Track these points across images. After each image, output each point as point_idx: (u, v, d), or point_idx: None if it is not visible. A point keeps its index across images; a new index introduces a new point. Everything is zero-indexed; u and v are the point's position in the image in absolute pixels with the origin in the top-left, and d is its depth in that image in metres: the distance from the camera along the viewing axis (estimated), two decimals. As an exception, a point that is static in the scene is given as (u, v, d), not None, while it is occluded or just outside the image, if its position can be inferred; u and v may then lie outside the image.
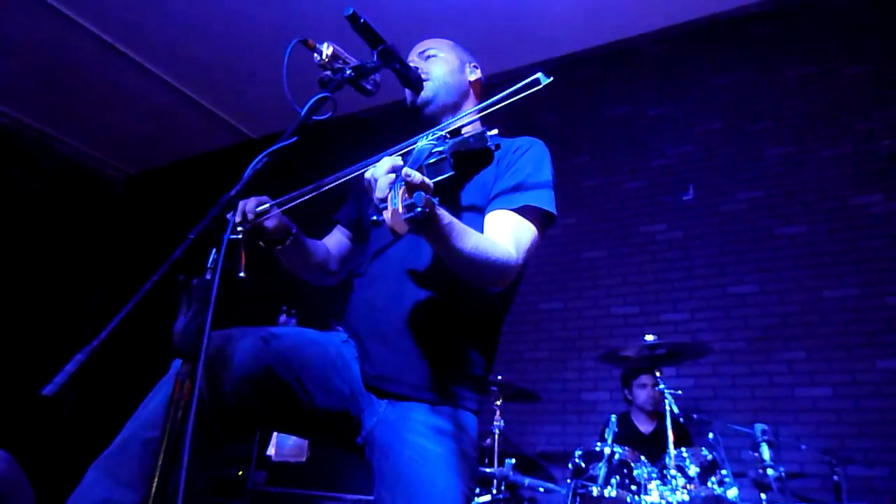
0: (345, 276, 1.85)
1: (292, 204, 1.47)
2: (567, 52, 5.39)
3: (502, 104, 1.41)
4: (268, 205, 1.48)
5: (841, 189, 4.16)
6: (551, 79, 1.29)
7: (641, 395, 3.99)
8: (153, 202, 7.50)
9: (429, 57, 1.77)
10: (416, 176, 1.12)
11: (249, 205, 1.44)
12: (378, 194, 1.19)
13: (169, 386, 1.09)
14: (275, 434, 4.04)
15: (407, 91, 1.72)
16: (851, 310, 3.92)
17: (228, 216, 1.15)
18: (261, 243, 1.59)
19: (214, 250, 1.04)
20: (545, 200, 1.54)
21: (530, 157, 1.61)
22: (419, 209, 1.06)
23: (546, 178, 1.59)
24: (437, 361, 1.48)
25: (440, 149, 1.39)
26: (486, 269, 1.37)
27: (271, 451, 3.99)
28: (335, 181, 1.46)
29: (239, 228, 1.33)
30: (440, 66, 1.75)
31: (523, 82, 1.34)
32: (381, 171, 1.22)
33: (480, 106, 1.46)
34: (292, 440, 4.03)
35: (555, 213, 1.56)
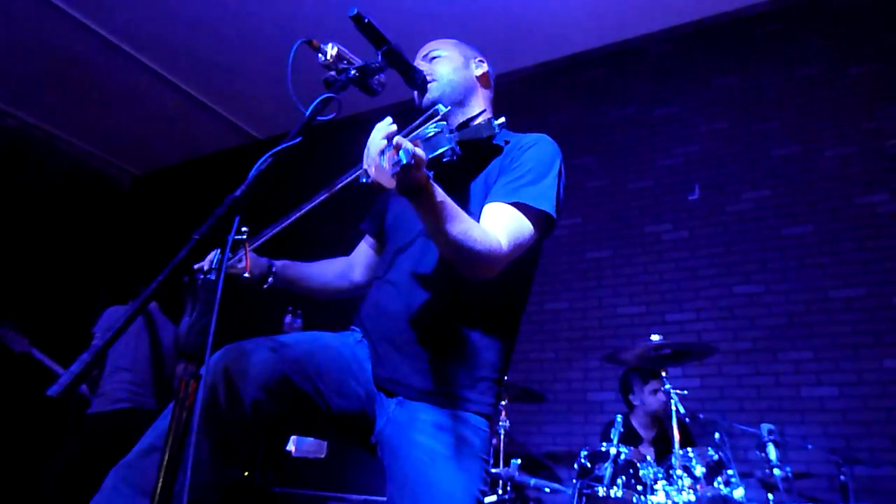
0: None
1: (262, 241, 1.45)
2: (572, 52, 5.39)
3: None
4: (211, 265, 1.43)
5: (847, 188, 4.14)
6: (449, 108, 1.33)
7: (654, 402, 3.85)
8: (159, 203, 7.52)
9: (433, 59, 1.78)
10: (407, 143, 1.14)
11: (210, 255, 1.38)
12: (369, 155, 1.23)
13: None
14: None
15: (415, 91, 1.73)
16: (858, 309, 3.90)
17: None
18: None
19: (219, 251, 1.04)
20: (541, 200, 1.52)
21: (534, 154, 1.60)
22: (403, 162, 1.09)
23: (547, 177, 1.56)
24: (448, 366, 1.49)
25: (438, 128, 1.39)
26: (471, 255, 1.37)
27: (291, 447, 4.01)
28: (299, 212, 1.46)
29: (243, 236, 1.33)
30: (444, 65, 1.76)
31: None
32: (374, 136, 1.24)
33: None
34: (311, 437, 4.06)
35: (550, 212, 1.53)
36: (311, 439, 4.01)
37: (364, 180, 1.22)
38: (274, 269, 1.61)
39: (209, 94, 6.32)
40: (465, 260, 1.39)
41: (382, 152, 1.17)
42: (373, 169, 1.17)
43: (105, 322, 4.24)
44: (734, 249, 4.37)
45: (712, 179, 4.59)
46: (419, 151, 1.17)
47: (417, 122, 1.53)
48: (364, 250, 1.90)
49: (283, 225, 1.46)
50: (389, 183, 1.16)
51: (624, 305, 4.62)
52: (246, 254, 1.12)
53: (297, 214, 1.47)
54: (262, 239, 1.45)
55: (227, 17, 5.22)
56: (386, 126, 1.24)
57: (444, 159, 1.37)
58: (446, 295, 1.53)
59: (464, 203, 1.57)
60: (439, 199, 1.27)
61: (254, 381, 1.31)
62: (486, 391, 1.54)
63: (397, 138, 1.14)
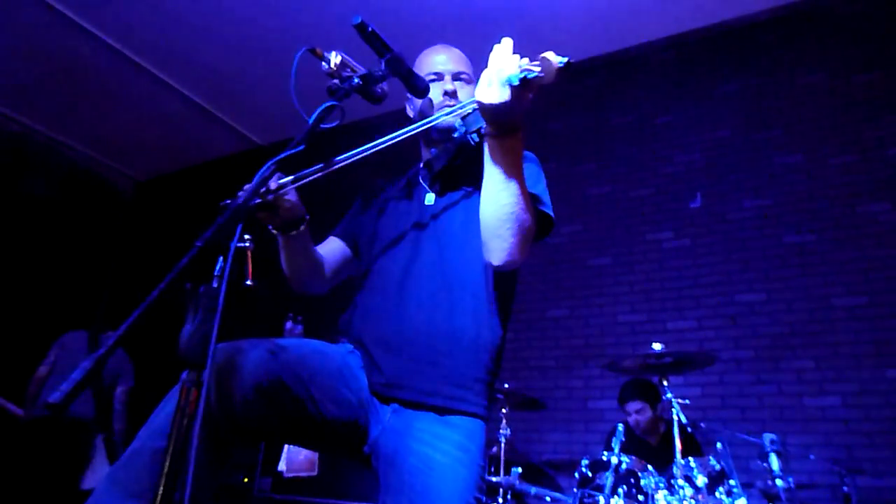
0: (331, 286, 1.82)
1: (308, 179, 1.47)
2: (574, 60, 5.39)
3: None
4: (289, 178, 1.47)
5: (849, 197, 4.14)
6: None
7: (633, 420, 3.94)
8: (161, 208, 7.54)
9: (462, 79, 1.74)
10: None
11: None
12: (492, 65, 1.24)
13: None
14: (285, 449, 4.02)
15: (418, 102, 1.69)
16: (860, 318, 3.89)
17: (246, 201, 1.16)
18: (271, 229, 1.58)
19: (222, 258, 1.04)
20: (545, 204, 1.56)
21: (527, 166, 1.61)
22: (534, 73, 1.16)
23: (543, 187, 1.61)
24: (445, 368, 1.48)
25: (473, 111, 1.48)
26: (526, 219, 1.38)
27: (282, 466, 3.97)
28: (346, 160, 1.48)
29: (258, 200, 1.38)
30: (469, 96, 1.69)
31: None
32: (503, 50, 1.25)
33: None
34: (303, 454, 4.02)
35: (552, 216, 1.57)
36: (302, 457, 3.98)
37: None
38: (307, 219, 1.60)
39: (212, 100, 6.34)
40: (519, 224, 1.38)
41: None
42: (497, 88, 1.21)
43: (65, 346, 4.77)
44: (736, 258, 4.36)
45: (714, 187, 4.59)
46: (551, 58, 1.20)
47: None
48: (331, 248, 1.83)
49: (318, 175, 1.47)
50: (503, 96, 1.19)
51: (625, 313, 4.61)
52: (249, 262, 1.12)
53: (325, 171, 1.47)
54: (304, 181, 1.46)
55: (231, 25, 5.24)
56: (510, 43, 1.26)
57: (483, 131, 1.41)
58: (441, 298, 1.53)
59: (466, 203, 1.61)
60: (522, 143, 1.30)
61: (247, 381, 1.30)
62: (482, 393, 1.53)
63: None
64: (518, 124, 1.29)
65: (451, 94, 1.69)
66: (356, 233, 1.84)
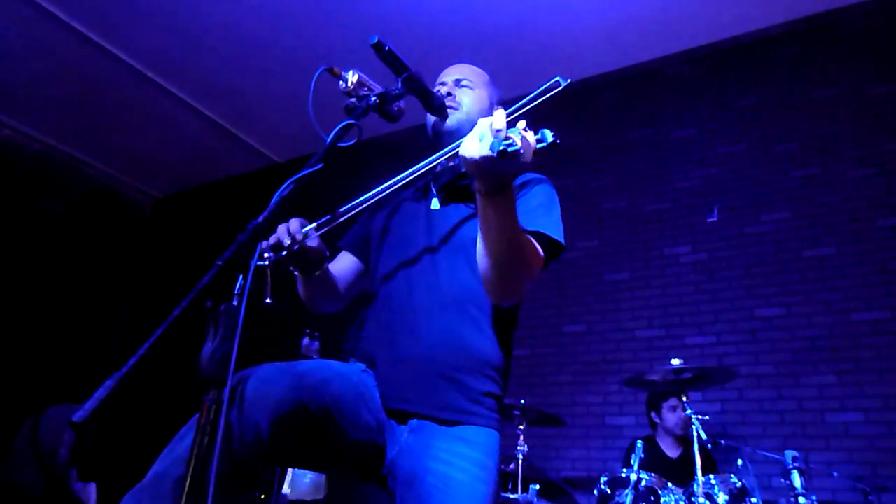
0: (348, 302, 1.84)
1: (332, 225, 1.50)
2: (589, 75, 5.41)
3: (524, 109, 1.47)
4: (314, 225, 1.49)
5: (869, 210, 4.10)
6: (569, 80, 1.32)
7: (672, 419, 3.88)
8: (179, 226, 7.61)
9: (463, 85, 1.78)
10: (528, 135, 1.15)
11: (293, 226, 1.45)
12: (481, 131, 1.20)
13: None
14: (290, 472, 3.99)
15: (431, 117, 1.74)
16: (882, 333, 3.83)
17: (262, 242, 1.19)
18: (294, 271, 1.60)
19: (242, 277, 1.05)
20: (556, 231, 1.55)
21: (539, 191, 1.63)
22: (517, 147, 1.10)
23: (555, 211, 1.61)
24: (457, 382, 1.49)
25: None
26: (524, 269, 1.41)
27: (287, 489, 3.94)
28: (369, 200, 1.50)
29: (283, 253, 1.39)
30: (471, 99, 1.76)
31: (542, 87, 1.39)
32: (495, 119, 1.21)
33: (510, 110, 1.48)
34: (309, 478, 3.99)
35: (563, 242, 1.56)
36: (308, 480, 3.95)
37: (454, 163, 1.27)
38: (328, 255, 1.62)
39: (230, 118, 6.41)
40: (516, 273, 1.41)
41: (498, 131, 1.17)
42: (477, 143, 1.18)
43: (49, 423, 4.54)
44: (754, 272, 4.32)
45: (731, 201, 4.56)
46: (530, 139, 1.16)
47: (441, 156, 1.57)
48: (343, 265, 1.83)
49: (343, 219, 1.51)
50: (482, 151, 1.16)
51: (643, 328, 4.57)
52: (268, 281, 1.13)
53: (347, 215, 1.51)
54: (327, 227, 1.49)
55: (249, 43, 5.31)
56: (504, 114, 1.23)
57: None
58: (452, 313, 1.54)
59: (475, 220, 1.59)
60: (513, 200, 1.30)
61: (269, 406, 1.29)
62: (493, 407, 1.54)
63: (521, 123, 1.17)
64: (502, 185, 1.26)
65: (447, 95, 1.73)
66: (366, 243, 1.84)
